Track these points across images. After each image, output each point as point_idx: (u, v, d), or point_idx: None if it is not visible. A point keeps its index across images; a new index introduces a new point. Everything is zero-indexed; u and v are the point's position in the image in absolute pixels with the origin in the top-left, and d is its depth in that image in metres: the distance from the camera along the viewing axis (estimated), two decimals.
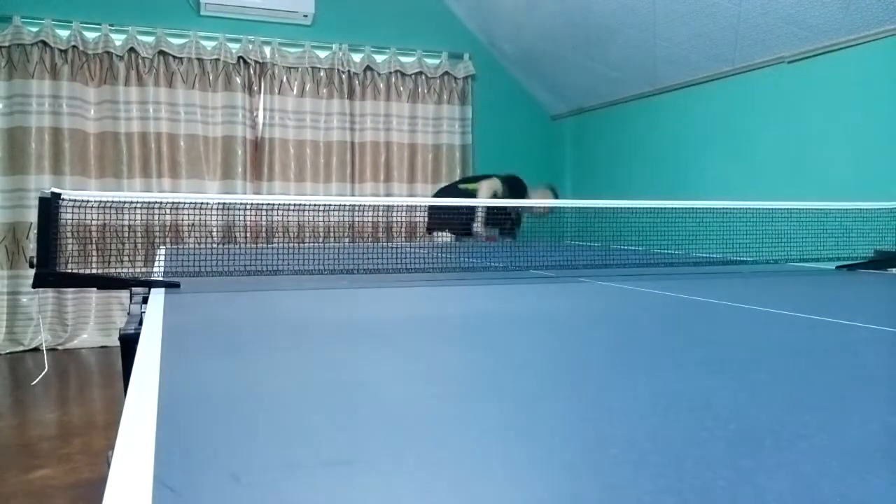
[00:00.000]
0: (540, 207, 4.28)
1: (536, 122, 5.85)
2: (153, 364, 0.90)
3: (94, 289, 3.64)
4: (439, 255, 2.77)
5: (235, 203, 4.01)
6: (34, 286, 1.65)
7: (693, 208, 2.32)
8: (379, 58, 5.29)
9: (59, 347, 4.61)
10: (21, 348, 4.55)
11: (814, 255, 2.37)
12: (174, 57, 4.80)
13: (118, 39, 4.69)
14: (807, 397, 0.80)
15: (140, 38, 4.73)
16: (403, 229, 4.99)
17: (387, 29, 5.30)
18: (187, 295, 1.64)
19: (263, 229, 4.79)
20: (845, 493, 0.51)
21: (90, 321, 4.73)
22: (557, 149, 5.82)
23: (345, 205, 3.84)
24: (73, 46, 4.58)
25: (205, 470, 0.55)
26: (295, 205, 2.34)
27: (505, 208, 4.27)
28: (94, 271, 1.94)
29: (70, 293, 4.64)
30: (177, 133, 4.84)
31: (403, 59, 5.34)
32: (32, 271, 1.62)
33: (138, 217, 4.41)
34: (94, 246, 2.22)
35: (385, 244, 4.24)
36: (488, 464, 0.59)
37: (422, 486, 0.53)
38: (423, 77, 5.38)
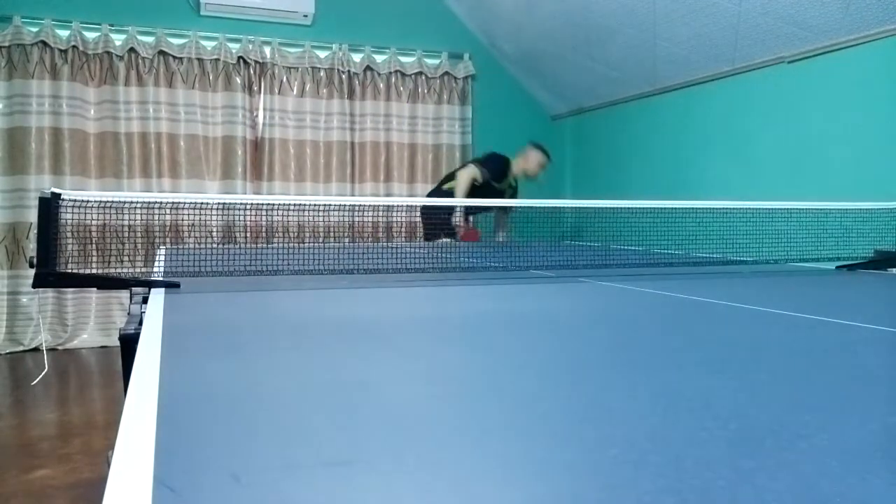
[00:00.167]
0: (531, 172, 4.28)
1: (536, 122, 5.85)
2: (153, 364, 0.90)
3: (94, 289, 3.64)
4: (439, 255, 2.77)
5: (235, 203, 4.01)
6: (34, 286, 1.65)
7: (693, 208, 2.32)
8: (379, 58, 5.29)
9: (59, 347, 4.61)
10: (21, 348, 4.55)
11: (814, 255, 2.37)
12: (174, 57, 4.81)
13: (118, 39, 4.69)
14: (807, 397, 0.80)
15: (140, 38, 4.73)
16: (403, 229, 4.99)
17: (387, 29, 5.30)
18: (187, 295, 1.64)
19: (263, 229, 4.79)
20: (845, 493, 0.51)
21: (90, 321, 4.73)
22: (557, 149, 5.80)
23: (345, 205, 3.84)
24: (73, 46, 4.58)
25: (205, 470, 0.55)
26: (295, 205, 2.34)
27: (492, 188, 4.26)
28: (94, 271, 1.94)
29: (70, 293, 4.64)
30: (177, 133, 4.84)
31: (403, 59, 5.34)
32: (32, 271, 1.62)
33: (138, 217, 4.41)
34: (94, 246, 2.22)
35: (385, 244, 4.24)
36: (488, 464, 0.59)
37: (422, 486, 0.53)
38: (423, 77, 5.38)
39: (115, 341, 4.34)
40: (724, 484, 0.53)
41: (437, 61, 5.43)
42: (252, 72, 5.01)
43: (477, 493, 0.52)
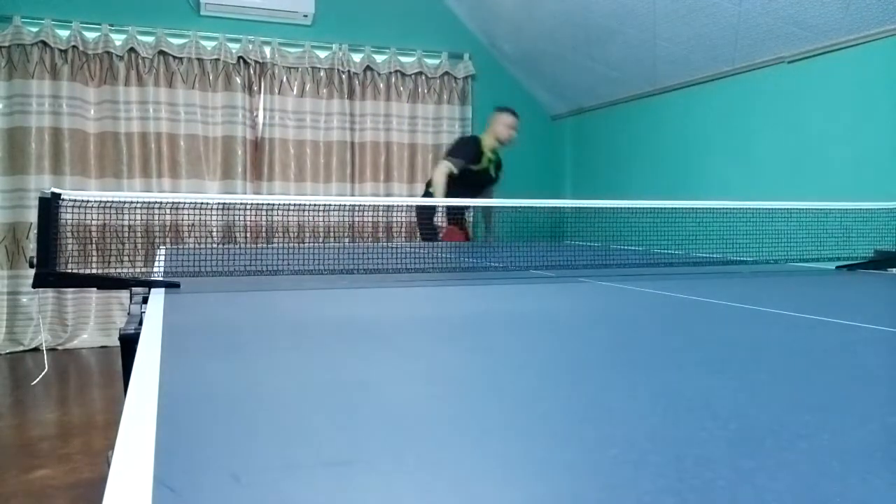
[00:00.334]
0: (503, 136, 4.33)
1: (536, 122, 5.85)
2: (153, 364, 0.90)
3: (94, 289, 3.64)
4: (439, 255, 2.77)
5: (235, 203, 4.01)
6: (34, 286, 1.65)
7: (693, 208, 2.32)
8: (379, 58, 5.29)
9: (59, 347, 4.61)
10: (21, 348, 4.55)
11: (814, 255, 2.37)
12: (174, 57, 4.80)
13: (118, 39, 4.69)
14: (807, 397, 0.80)
15: (140, 38, 4.73)
16: (403, 229, 4.99)
17: (387, 29, 5.30)
18: (187, 295, 1.64)
19: (263, 229, 4.78)
20: (845, 493, 0.51)
21: (90, 321, 4.73)
22: (557, 149, 5.82)
23: (345, 205, 3.84)
24: (73, 46, 4.58)
25: (205, 470, 0.55)
26: (295, 205, 2.34)
27: (473, 172, 4.24)
28: (94, 271, 1.94)
29: (70, 293, 4.64)
30: (177, 133, 4.84)
31: (403, 59, 5.34)
32: (32, 271, 1.62)
33: (138, 217, 4.41)
34: (94, 246, 2.22)
35: (385, 244, 4.24)
36: (488, 464, 0.59)
37: (422, 486, 0.53)
38: (423, 77, 5.38)
39: (115, 341, 4.34)
40: (724, 484, 0.53)
41: (437, 61, 5.43)
42: (252, 72, 5.01)
43: (477, 493, 0.52)
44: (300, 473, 0.55)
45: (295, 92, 5.10)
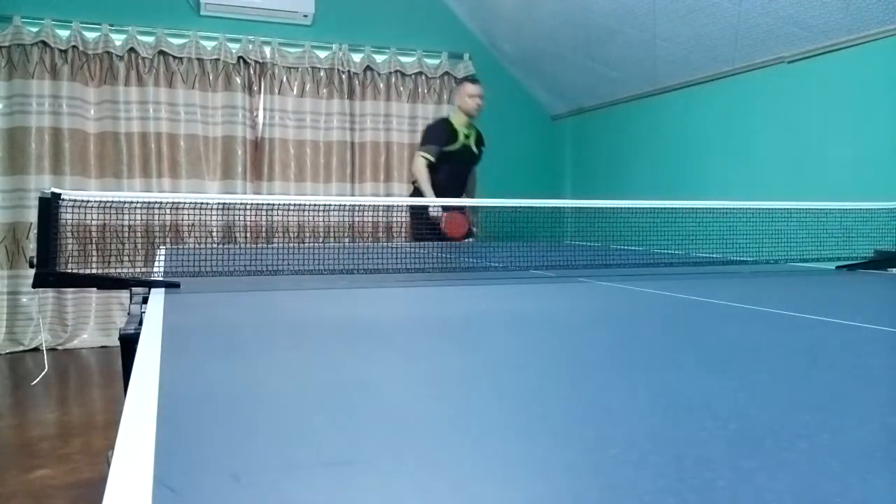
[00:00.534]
0: (470, 109, 4.24)
1: (536, 122, 5.85)
2: (153, 364, 0.90)
3: (94, 289, 3.64)
4: (439, 255, 2.77)
5: (235, 203, 4.01)
6: (34, 286, 1.65)
7: (693, 208, 2.32)
8: (379, 58, 5.29)
9: (59, 347, 4.61)
10: (21, 348, 4.55)
11: (814, 255, 2.37)
12: (174, 57, 4.81)
13: (118, 39, 4.69)
14: (807, 397, 0.80)
15: (140, 38, 4.73)
16: (403, 229, 4.99)
17: (387, 29, 5.30)
18: (187, 295, 1.64)
19: (263, 229, 4.79)
20: (845, 493, 0.51)
21: (90, 321, 4.73)
22: (557, 149, 5.82)
23: (345, 205, 3.85)
24: (73, 46, 4.58)
25: (205, 470, 0.55)
26: (295, 205, 2.34)
27: (452, 153, 4.22)
28: (94, 271, 1.94)
29: (70, 293, 4.64)
30: (177, 133, 4.84)
31: (403, 59, 5.34)
32: (32, 271, 1.62)
33: (138, 217, 4.42)
34: (94, 246, 2.22)
35: (385, 244, 4.24)
36: (488, 464, 0.59)
37: (422, 486, 0.53)
38: (424, 77, 5.38)
39: (115, 341, 4.34)
40: (724, 484, 0.53)
41: (437, 61, 5.43)
42: (252, 72, 5.01)
43: (477, 493, 0.52)
44: (300, 473, 0.55)
45: (295, 92, 5.10)
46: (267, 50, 5.02)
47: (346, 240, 4.89)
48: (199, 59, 4.86)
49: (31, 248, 4.35)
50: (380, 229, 5.20)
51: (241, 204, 3.85)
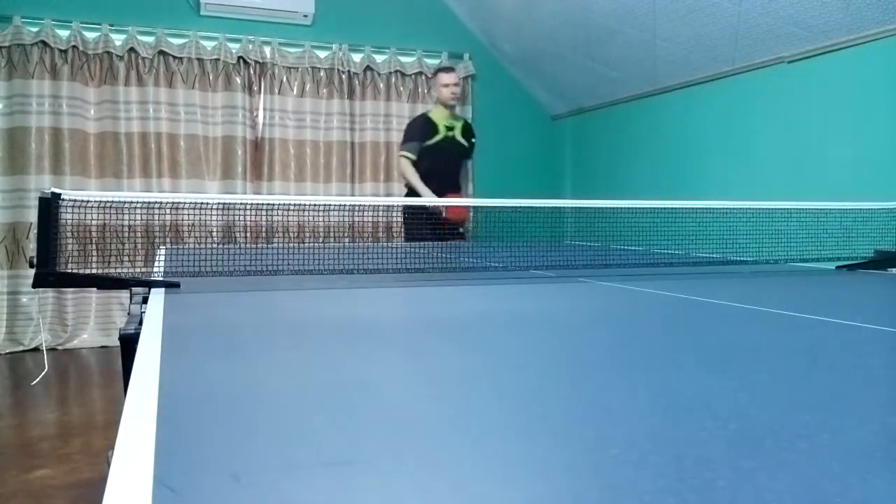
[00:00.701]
0: (446, 99, 4.16)
1: (536, 122, 5.85)
2: (153, 364, 0.90)
3: (94, 289, 3.64)
4: (439, 255, 2.77)
5: (235, 203, 4.01)
6: (34, 286, 1.65)
7: (693, 208, 2.32)
8: (379, 58, 5.29)
9: (59, 347, 4.61)
10: (21, 348, 4.55)
11: (814, 255, 2.37)
12: (174, 57, 4.81)
13: (118, 39, 4.69)
14: (807, 397, 0.80)
15: (140, 38, 4.73)
16: (403, 229, 4.99)
17: (387, 29, 5.30)
18: (187, 295, 1.64)
19: (263, 229, 4.78)
20: (845, 493, 0.51)
21: (90, 321, 4.73)
22: (557, 149, 5.82)
23: (345, 205, 3.84)
24: (73, 46, 4.58)
25: (205, 470, 0.55)
26: (295, 205, 2.34)
27: (434, 145, 4.18)
28: (94, 271, 1.94)
29: (70, 293, 4.64)
30: (177, 133, 4.84)
31: (403, 59, 5.34)
32: (32, 271, 1.62)
33: (138, 217, 4.41)
34: (94, 246, 2.22)
35: (385, 244, 4.23)
36: (488, 464, 0.59)
37: (422, 486, 0.53)
38: (424, 77, 5.38)
39: (115, 341, 4.34)
40: (724, 484, 0.53)
41: (437, 61, 5.43)
42: (252, 72, 5.01)
43: (477, 493, 0.52)
44: (300, 473, 0.55)
45: (295, 92, 5.10)
46: (267, 50, 5.02)
47: (346, 240, 4.89)
48: (199, 59, 4.86)
49: (31, 248, 4.35)
50: (380, 229, 5.20)
51: (241, 204, 3.84)
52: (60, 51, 4.56)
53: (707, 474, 0.55)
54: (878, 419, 0.71)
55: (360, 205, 4.37)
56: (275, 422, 0.69)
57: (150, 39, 4.76)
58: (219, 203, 2.63)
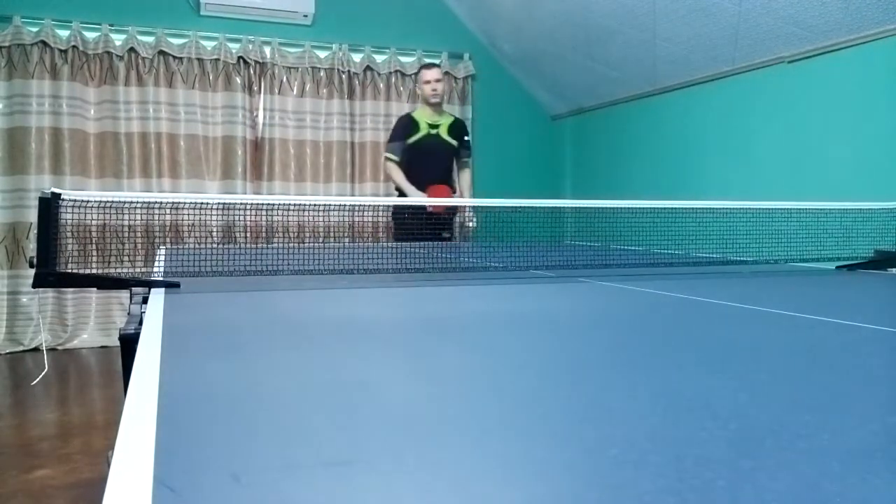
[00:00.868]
0: (429, 96, 4.13)
1: (536, 122, 5.85)
2: (153, 364, 0.90)
3: (94, 289, 3.64)
4: (439, 255, 2.77)
5: (235, 203, 4.01)
6: (34, 286, 1.65)
7: (693, 208, 2.32)
8: (379, 58, 5.29)
9: (59, 347, 4.61)
10: (21, 348, 4.55)
11: (814, 255, 2.37)
12: (174, 57, 4.81)
13: (118, 39, 4.69)
14: (807, 397, 0.80)
15: (140, 38, 4.73)
16: (392, 230, 4.98)
17: (387, 29, 5.31)
18: (187, 295, 1.64)
19: (263, 229, 4.78)
20: (845, 493, 0.51)
21: (90, 321, 4.73)
22: (557, 149, 5.82)
23: (345, 205, 3.84)
24: (73, 46, 4.58)
25: (205, 470, 0.55)
26: (295, 205, 2.33)
27: (416, 144, 4.15)
28: (94, 271, 1.94)
29: (70, 293, 4.64)
30: (177, 133, 4.84)
31: (403, 59, 5.34)
32: (32, 271, 1.62)
33: (138, 217, 4.41)
34: (94, 246, 2.22)
35: (385, 244, 4.24)
36: (488, 464, 0.59)
37: (422, 486, 0.53)
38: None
39: (115, 341, 4.34)
40: (724, 484, 0.53)
41: (437, 61, 5.42)
42: (252, 72, 5.01)
43: (477, 493, 0.52)
44: (300, 473, 0.55)
45: (295, 92, 5.10)
46: (267, 50, 5.02)
47: (346, 240, 4.89)
48: (199, 59, 4.86)
49: (31, 248, 4.35)
50: (380, 229, 5.20)
51: (241, 204, 3.84)
52: (60, 51, 4.56)
53: (707, 474, 0.55)
54: (878, 419, 0.71)
55: (360, 205, 4.37)
56: (275, 422, 0.69)
57: (150, 39, 4.76)
58: (219, 203, 2.63)
